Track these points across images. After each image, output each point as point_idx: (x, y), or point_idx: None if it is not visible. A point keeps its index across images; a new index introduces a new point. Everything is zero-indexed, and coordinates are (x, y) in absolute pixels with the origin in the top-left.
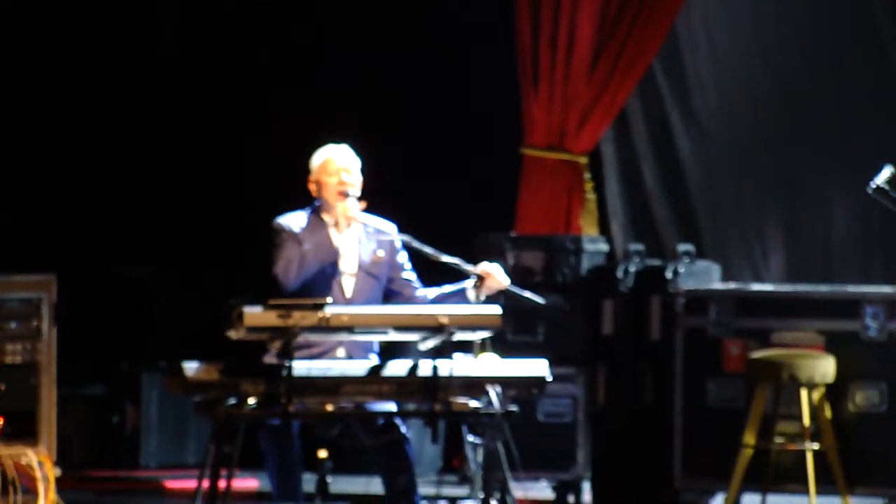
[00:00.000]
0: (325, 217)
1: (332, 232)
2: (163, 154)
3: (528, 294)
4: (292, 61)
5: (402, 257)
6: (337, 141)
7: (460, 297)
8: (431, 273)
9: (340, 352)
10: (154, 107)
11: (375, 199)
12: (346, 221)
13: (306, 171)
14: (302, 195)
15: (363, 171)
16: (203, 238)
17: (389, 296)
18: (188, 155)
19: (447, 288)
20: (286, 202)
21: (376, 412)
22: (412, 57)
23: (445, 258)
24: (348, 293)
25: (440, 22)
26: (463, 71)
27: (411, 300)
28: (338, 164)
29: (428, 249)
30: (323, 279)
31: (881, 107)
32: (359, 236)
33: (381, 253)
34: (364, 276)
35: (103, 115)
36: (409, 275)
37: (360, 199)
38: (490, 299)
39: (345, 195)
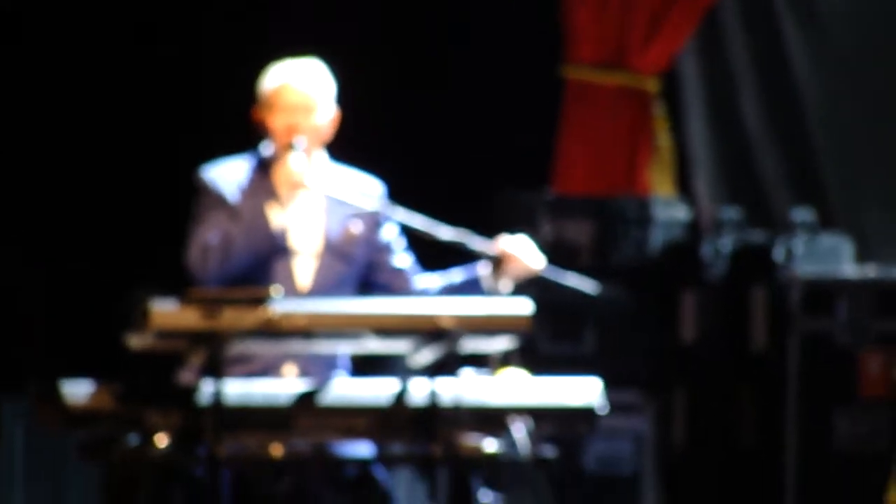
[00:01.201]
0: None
1: (284, 196)
2: (30, 103)
3: (572, 280)
4: None
5: (390, 233)
6: (298, 53)
7: (474, 288)
8: (430, 255)
9: (290, 369)
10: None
11: (355, 143)
12: (289, 187)
13: (243, 102)
14: (235, 135)
15: (340, 99)
16: (91, 215)
17: (372, 290)
18: (60, 98)
19: (455, 275)
20: (214, 148)
21: (345, 458)
22: None
23: (445, 233)
24: (304, 282)
25: None
26: None
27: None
28: (290, 98)
29: (420, 221)
30: (267, 267)
31: None
32: (324, 202)
33: (358, 226)
34: (330, 258)
35: None
36: (402, 260)
37: (332, 144)
38: (516, 290)
39: (289, 148)
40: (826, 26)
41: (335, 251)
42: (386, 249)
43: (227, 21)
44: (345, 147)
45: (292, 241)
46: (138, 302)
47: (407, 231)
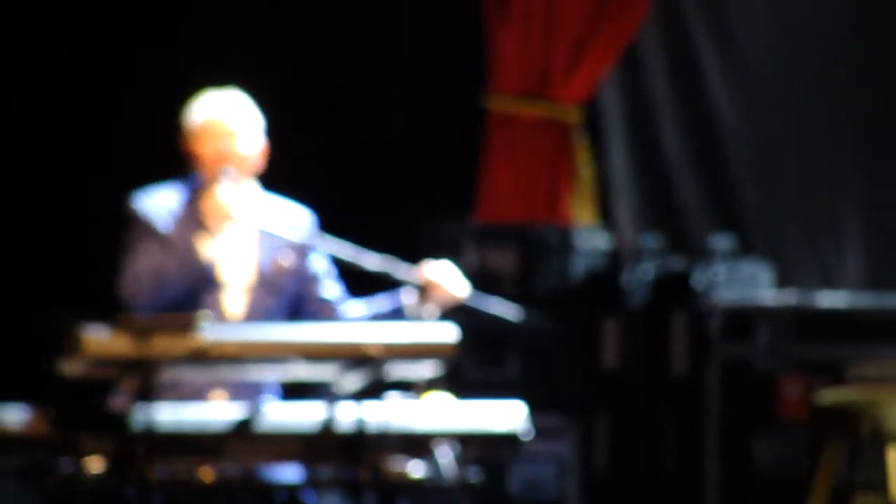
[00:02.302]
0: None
1: (214, 227)
2: None
3: (496, 308)
4: None
5: (319, 264)
6: (221, 84)
7: (399, 315)
8: (358, 283)
9: (218, 394)
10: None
11: (282, 174)
12: (218, 219)
13: (169, 124)
14: (161, 164)
15: (268, 130)
16: (14, 232)
17: (301, 320)
18: None
19: (381, 303)
20: (143, 172)
21: (274, 483)
22: None
23: (371, 261)
24: (234, 314)
25: None
26: None
27: None
28: (221, 124)
29: (348, 250)
30: (197, 298)
31: None
32: (255, 233)
33: (287, 259)
34: (260, 292)
35: None
36: (330, 290)
37: (262, 175)
38: (442, 317)
39: (217, 178)
40: (743, 55)
41: (265, 284)
42: (314, 280)
43: (155, 47)
44: (273, 178)
45: (222, 275)
46: (69, 327)
47: (335, 260)
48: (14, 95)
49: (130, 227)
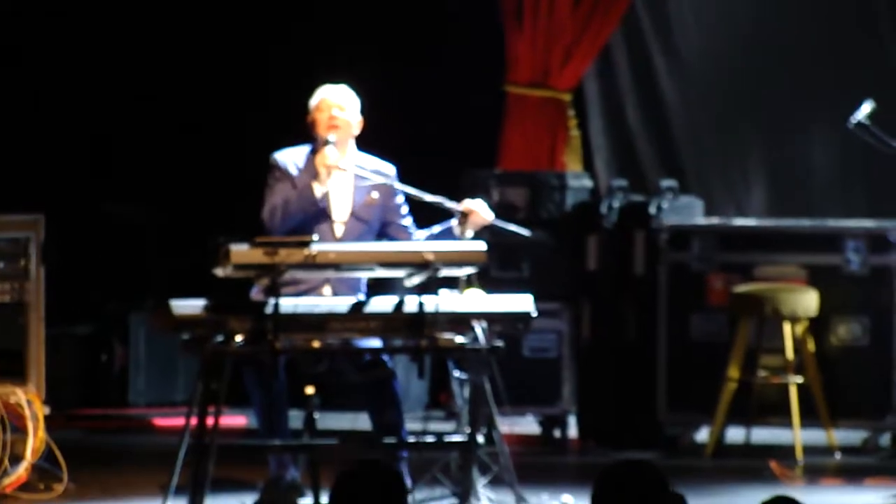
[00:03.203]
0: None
1: (323, 175)
2: (152, 91)
3: (513, 227)
4: (285, 6)
5: (399, 201)
6: (334, 81)
7: (448, 235)
8: (416, 212)
9: (326, 289)
10: (144, 44)
11: (373, 140)
12: (325, 170)
13: (299, 107)
14: (296, 131)
15: (363, 110)
16: (193, 175)
17: (386, 240)
18: (178, 92)
19: (435, 228)
20: (280, 138)
21: (363, 348)
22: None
23: (429, 197)
24: (338, 236)
25: None
26: (445, 7)
27: None
28: (331, 101)
29: (411, 189)
30: (312, 225)
31: (863, 42)
32: (352, 179)
33: (376, 195)
34: (353, 221)
35: (92, 53)
36: (406, 220)
37: (358, 143)
38: (476, 235)
39: (325, 143)
40: (682, 55)
41: (357, 215)
42: (397, 213)
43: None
44: (366, 142)
45: (329, 207)
46: (222, 244)
47: (407, 196)
48: (176, 79)
49: (271, 173)
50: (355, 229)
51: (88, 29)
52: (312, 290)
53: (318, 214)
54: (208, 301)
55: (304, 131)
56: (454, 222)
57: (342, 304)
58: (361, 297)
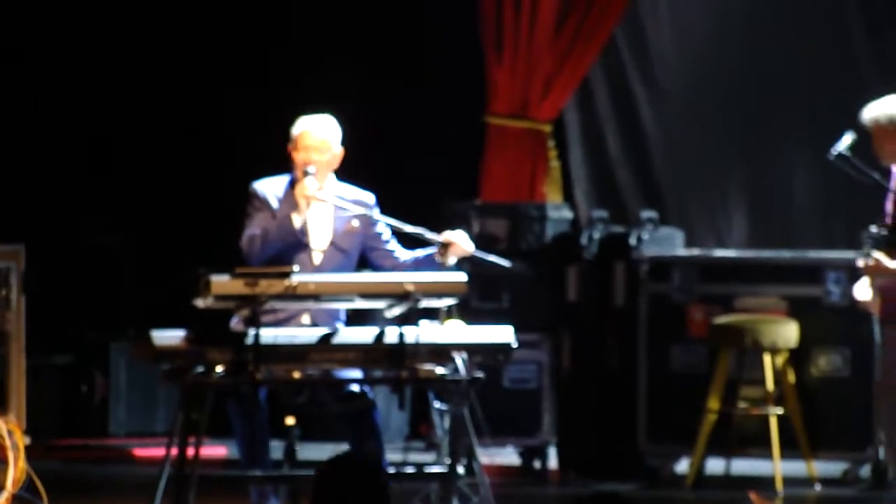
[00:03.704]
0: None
1: (302, 206)
2: (132, 123)
3: (493, 258)
4: (263, 36)
5: (380, 227)
6: (318, 111)
7: (431, 261)
8: (400, 243)
9: (305, 318)
10: (122, 74)
11: (353, 171)
12: (305, 201)
13: (277, 137)
14: (275, 161)
15: (344, 141)
16: (172, 207)
17: (373, 268)
18: (158, 124)
19: (420, 252)
20: (258, 169)
21: (343, 379)
22: (377, 27)
23: (409, 228)
24: (316, 263)
25: None
26: (426, 38)
27: (395, 270)
28: (308, 141)
29: (392, 221)
30: (291, 253)
31: (844, 74)
32: (332, 209)
33: (356, 223)
34: (332, 250)
35: (71, 83)
36: (390, 245)
37: (337, 170)
38: (457, 266)
39: (304, 174)
40: (662, 86)
41: (337, 245)
42: (379, 239)
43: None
44: (346, 172)
45: (308, 237)
46: (202, 275)
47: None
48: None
49: (250, 202)
50: (334, 258)
51: (66, 58)
52: (291, 318)
53: (296, 244)
54: (189, 332)
55: (279, 161)
56: (435, 252)
57: (322, 335)
58: (341, 326)
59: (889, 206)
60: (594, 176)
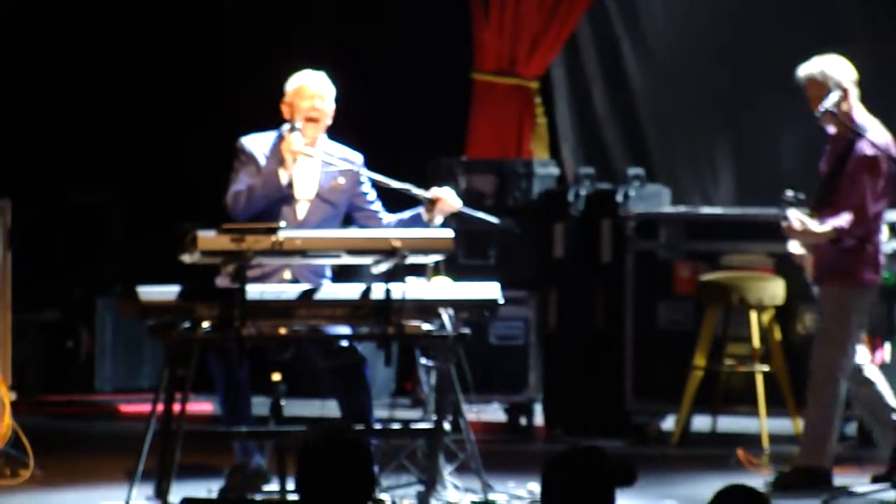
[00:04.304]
0: None
1: (289, 161)
2: (118, 79)
3: (481, 214)
4: None
5: (367, 188)
6: (305, 68)
7: (417, 221)
8: (384, 200)
9: (287, 274)
10: (108, 31)
11: (344, 129)
12: (291, 156)
13: (263, 94)
14: (257, 118)
15: (337, 99)
16: (158, 163)
17: (354, 226)
18: (144, 80)
19: (405, 214)
20: (241, 124)
21: (331, 335)
22: None
23: (396, 184)
24: (300, 217)
25: None
26: None
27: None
28: (313, 90)
29: (378, 176)
30: (276, 209)
31: (831, 33)
32: (319, 165)
33: (342, 180)
34: (319, 201)
35: (57, 41)
36: (375, 206)
37: (330, 127)
38: (445, 223)
39: (290, 129)
40: (649, 43)
41: (323, 197)
42: (364, 199)
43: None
44: (333, 131)
45: (294, 191)
46: (189, 231)
47: (375, 183)
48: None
49: (237, 157)
50: (320, 210)
51: (53, 19)
52: (272, 274)
53: (282, 199)
54: (175, 288)
55: (265, 118)
56: (423, 210)
57: (309, 290)
58: (327, 282)
59: (822, 164)
60: (581, 133)
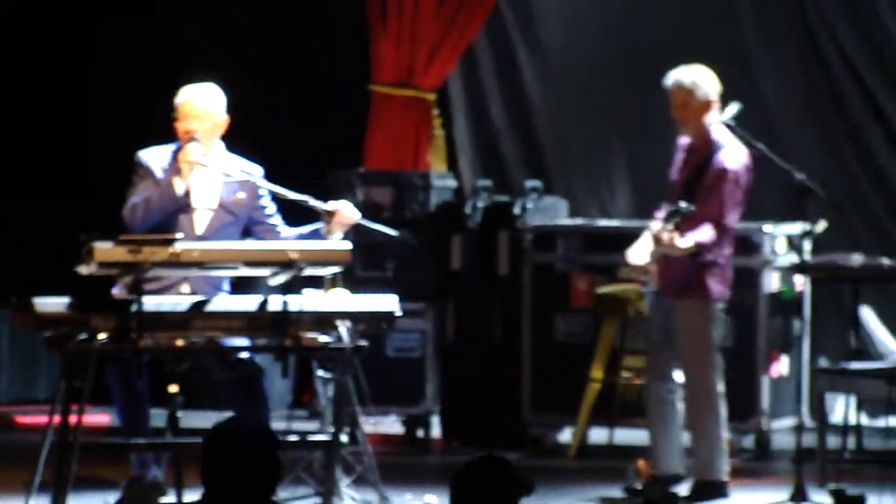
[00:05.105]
0: None
1: (185, 171)
2: (24, 86)
3: (378, 227)
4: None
5: (266, 201)
6: (202, 80)
7: (316, 236)
8: (284, 213)
9: (185, 287)
10: (10, 45)
11: (240, 139)
12: (188, 167)
13: (163, 105)
14: (160, 130)
15: (229, 108)
16: (57, 173)
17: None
18: (50, 88)
19: (304, 229)
20: (142, 137)
21: (228, 347)
22: None
23: (294, 196)
24: (199, 230)
25: None
26: (310, 7)
27: None
28: (190, 109)
29: (276, 188)
30: (173, 220)
31: (730, 45)
32: (220, 176)
33: (242, 195)
34: (221, 212)
35: None
36: (274, 220)
37: (227, 139)
38: (345, 236)
39: (189, 140)
40: (547, 54)
41: (224, 208)
42: (263, 212)
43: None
44: (230, 142)
45: (192, 202)
46: (85, 242)
47: (274, 197)
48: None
49: (134, 171)
50: (220, 220)
51: None
52: (170, 287)
53: (178, 209)
54: (71, 299)
55: (169, 130)
56: (321, 223)
57: (206, 302)
58: (224, 294)
59: (674, 174)
60: (478, 145)
